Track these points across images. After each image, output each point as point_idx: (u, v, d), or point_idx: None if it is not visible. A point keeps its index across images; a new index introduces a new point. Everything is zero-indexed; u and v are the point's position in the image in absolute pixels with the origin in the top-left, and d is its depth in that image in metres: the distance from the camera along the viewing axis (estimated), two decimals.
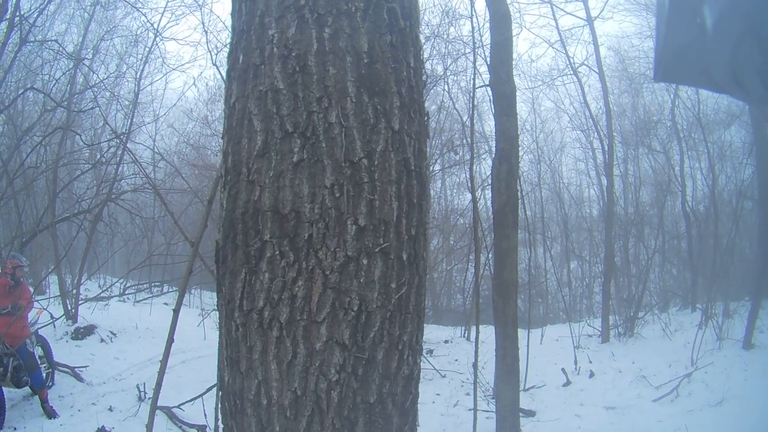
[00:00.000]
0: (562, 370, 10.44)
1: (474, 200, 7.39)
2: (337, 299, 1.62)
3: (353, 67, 1.66)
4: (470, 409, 7.60)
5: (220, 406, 1.91)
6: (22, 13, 6.88)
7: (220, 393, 1.87)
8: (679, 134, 17.18)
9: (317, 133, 1.62)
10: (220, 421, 6.41)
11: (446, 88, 15.03)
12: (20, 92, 11.91)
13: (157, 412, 7.58)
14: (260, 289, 1.65)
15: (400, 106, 1.72)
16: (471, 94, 9.70)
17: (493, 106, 7.69)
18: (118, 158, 12.95)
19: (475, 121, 16.52)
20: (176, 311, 3.06)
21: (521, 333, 11.06)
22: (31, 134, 12.46)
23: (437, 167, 17.15)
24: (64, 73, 13.29)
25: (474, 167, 15.75)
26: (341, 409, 1.65)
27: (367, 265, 1.64)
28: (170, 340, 2.94)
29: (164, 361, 2.97)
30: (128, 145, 12.16)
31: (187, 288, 18.59)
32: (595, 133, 17.02)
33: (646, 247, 17.10)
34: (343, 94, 1.65)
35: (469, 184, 7.61)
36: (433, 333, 15.40)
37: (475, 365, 5.41)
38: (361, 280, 1.63)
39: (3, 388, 7.15)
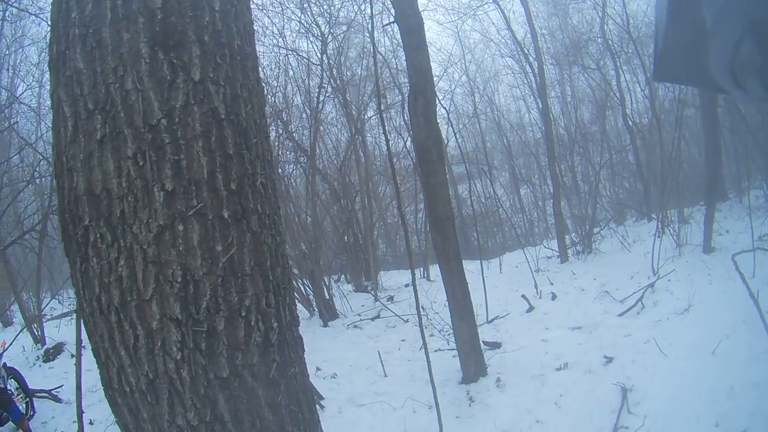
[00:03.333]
0: (523, 296, 10.52)
1: (387, 141, 7.30)
2: (159, 273, 1.55)
3: (146, 26, 1.58)
4: (435, 351, 7.76)
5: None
6: None
7: (103, 387, 1.82)
8: (612, 50, 17.27)
9: (116, 104, 1.55)
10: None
11: (366, 33, 14.76)
12: None
13: None
14: (93, 275, 1.59)
15: (201, 54, 1.63)
16: (371, 33, 9.56)
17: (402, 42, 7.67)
18: (51, 169, 12.58)
19: (401, 62, 16.45)
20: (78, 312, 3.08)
21: (477, 265, 11.28)
22: None
23: (370, 113, 17.06)
24: None
25: (404, 109, 15.81)
26: (196, 388, 1.60)
27: (183, 231, 1.56)
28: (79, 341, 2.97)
29: (78, 365, 3.01)
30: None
31: None
32: (525, 58, 17.09)
33: (592, 164, 17.26)
34: (137, 56, 1.57)
35: (382, 127, 7.59)
36: (393, 278, 15.43)
37: (417, 308, 5.49)
38: (180, 248, 1.56)
39: None
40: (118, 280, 1.56)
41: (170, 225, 1.56)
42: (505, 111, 24.59)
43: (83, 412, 3.55)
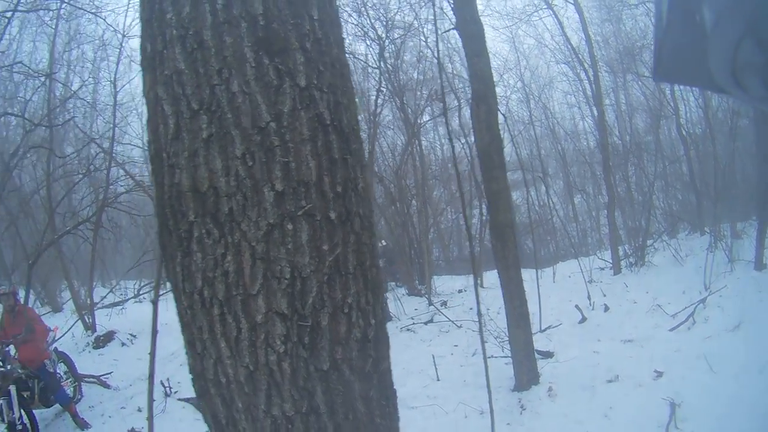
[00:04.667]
0: (576, 306, 10.45)
1: (452, 146, 7.30)
2: (267, 269, 1.60)
3: (249, 32, 1.62)
4: (489, 357, 7.73)
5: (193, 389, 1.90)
6: None
7: (191, 376, 1.87)
8: None
9: (222, 106, 1.59)
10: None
11: (422, 38, 14.86)
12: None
13: (184, 404, 7.87)
14: (196, 270, 1.64)
15: (305, 61, 1.67)
16: (435, 38, 9.51)
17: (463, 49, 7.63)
18: (107, 163, 13.01)
19: (456, 66, 16.38)
20: (154, 302, 3.10)
21: (532, 274, 11.19)
22: (17, 157, 12.60)
23: (426, 117, 17.08)
24: (34, 92, 13.43)
25: (461, 114, 15.80)
26: (296, 380, 1.64)
27: (292, 230, 1.61)
28: (155, 332, 2.98)
29: (152, 354, 3.02)
30: (118, 147, 12.32)
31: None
32: (579, 65, 16.88)
33: (646, 174, 16.96)
34: (242, 60, 1.61)
35: (447, 131, 7.55)
36: (446, 284, 15.50)
37: (478, 312, 5.42)
38: (289, 247, 1.61)
39: (33, 409, 7.38)
40: (224, 275, 1.61)
41: (279, 224, 1.60)
42: (560, 118, 24.18)
43: (153, 400, 3.59)
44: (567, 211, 22.41)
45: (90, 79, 14.72)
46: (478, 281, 15.17)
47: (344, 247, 1.70)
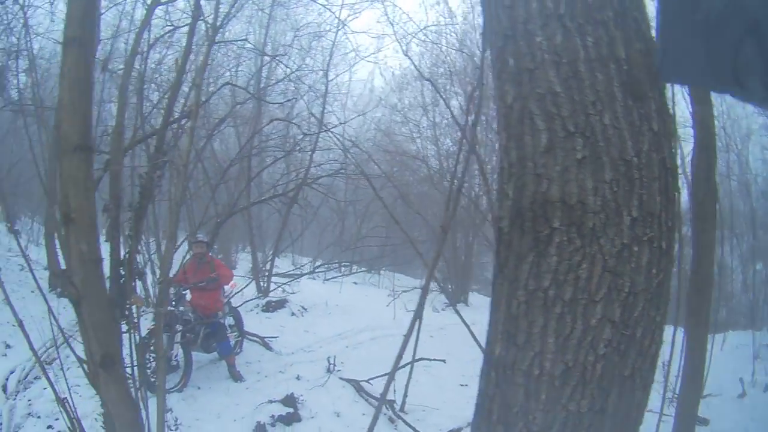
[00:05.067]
0: (740, 380, 9.73)
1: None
2: (612, 282, 1.78)
3: (616, 73, 1.80)
4: (648, 410, 7.33)
5: (485, 375, 2.08)
6: (206, 17, 7.59)
7: (486, 364, 2.06)
8: None
9: (595, 134, 1.79)
10: (407, 396, 6.62)
11: None
12: (218, 88, 12.83)
13: (345, 384, 8.05)
14: (547, 271, 1.83)
15: (656, 109, 1.85)
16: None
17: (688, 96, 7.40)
18: (312, 145, 13.79)
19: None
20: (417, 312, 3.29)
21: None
22: (222, 126, 13.52)
23: None
24: (258, 70, 14.68)
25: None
26: (601, 381, 1.82)
27: (637, 252, 1.79)
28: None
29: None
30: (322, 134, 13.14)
31: (380, 269, 19.36)
32: None
33: None
34: (612, 98, 1.79)
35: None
36: None
37: (667, 371, 5.32)
38: (632, 266, 1.79)
39: (193, 351, 7.86)
40: (575, 280, 1.81)
41: (629, 245, 1.80)
42: (754, 174, 22.20)
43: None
44: (747, 276, 20.56)
45: (304, 64, 15.54)
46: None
47: (666, 273, 1.88)
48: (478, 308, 14.38)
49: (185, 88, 8.69)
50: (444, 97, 12.65)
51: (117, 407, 3.27)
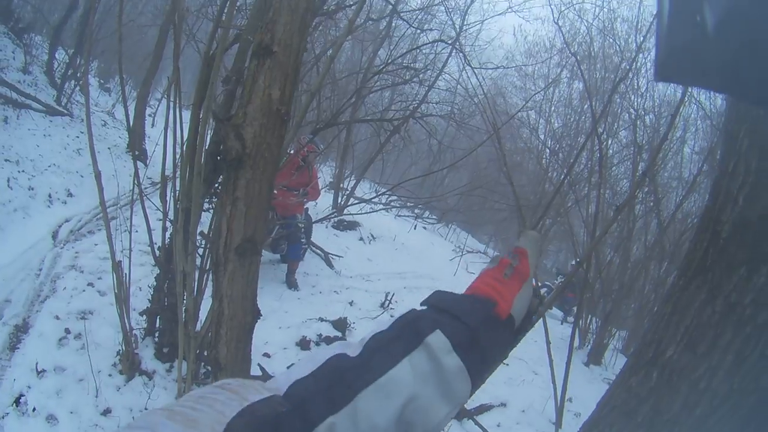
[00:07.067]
0: None
1: None
2: None
3: None
4: None
5: (639, 373, 2.00)
6: None
7: (648, 363, 1.98)
8: None
9: None
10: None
11: None
12: None
13: None
14: (753, 288, 1.71)
15: None
16: None
17: None
18: (432, 81, 13.51)
19: None
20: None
21: None
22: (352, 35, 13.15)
23: None
24: None
25: None
26: (757, 413, 1.70)
27: None
28: None
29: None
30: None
31: (449, 223, 19.19)
32: None
33: None
34: None
35: None
36: None
37: None
38: None
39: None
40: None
41: None
42: None
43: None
44: None
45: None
46: None
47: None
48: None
49: None
50: (585, 78, 11.65)
51: (234, 298, 2.83)
